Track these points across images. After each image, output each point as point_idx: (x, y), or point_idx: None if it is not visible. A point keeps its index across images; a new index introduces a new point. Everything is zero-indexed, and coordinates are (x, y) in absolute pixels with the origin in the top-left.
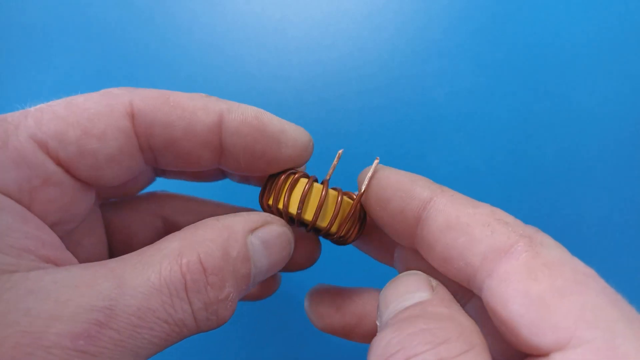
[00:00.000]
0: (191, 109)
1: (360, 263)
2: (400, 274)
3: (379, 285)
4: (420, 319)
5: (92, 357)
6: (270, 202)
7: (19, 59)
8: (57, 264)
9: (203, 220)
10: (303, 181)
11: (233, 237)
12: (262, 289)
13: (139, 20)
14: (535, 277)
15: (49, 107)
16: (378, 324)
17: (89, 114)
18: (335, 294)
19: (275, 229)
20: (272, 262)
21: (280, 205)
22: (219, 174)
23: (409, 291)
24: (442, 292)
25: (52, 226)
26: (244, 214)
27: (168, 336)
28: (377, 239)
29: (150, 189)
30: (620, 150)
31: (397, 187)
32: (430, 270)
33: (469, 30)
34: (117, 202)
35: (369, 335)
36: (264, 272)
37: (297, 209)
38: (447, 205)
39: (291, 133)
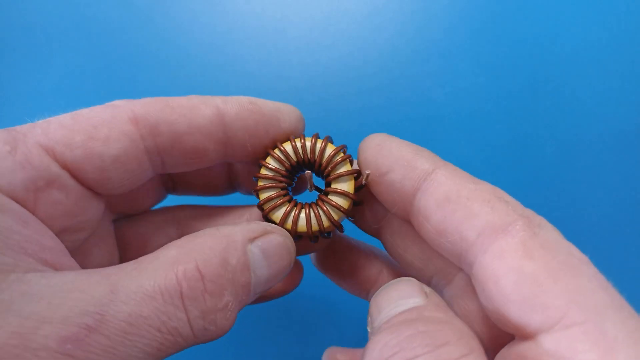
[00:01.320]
0: (190, 105)
1: None
2: (392, 281)
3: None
4: (418, 322)
5: None
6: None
7: (19, 59)
8: (56, 268)
9: (202, 230)
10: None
11: (232, 246)
12: (286, 282)
13: (139, 20)
14: (530, 256)
15: (55, 118)
16: (369, 330)
17: (93, 122)
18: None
19: (275, 239)
20: (273, 272)
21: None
22: (228, 187)
23: (402, 297)
24: (436, 298)
25: (61, 233)
26: (244, 223)
27: (161, 345)
28: (368, 209)
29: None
30: (620, 150)
31: (399, 156)
32: (418, 242)
33: (469, 30)
34: (131, 216)
35: None
36: (263, 282)
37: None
38: (448, 178)
39: (285, 109)
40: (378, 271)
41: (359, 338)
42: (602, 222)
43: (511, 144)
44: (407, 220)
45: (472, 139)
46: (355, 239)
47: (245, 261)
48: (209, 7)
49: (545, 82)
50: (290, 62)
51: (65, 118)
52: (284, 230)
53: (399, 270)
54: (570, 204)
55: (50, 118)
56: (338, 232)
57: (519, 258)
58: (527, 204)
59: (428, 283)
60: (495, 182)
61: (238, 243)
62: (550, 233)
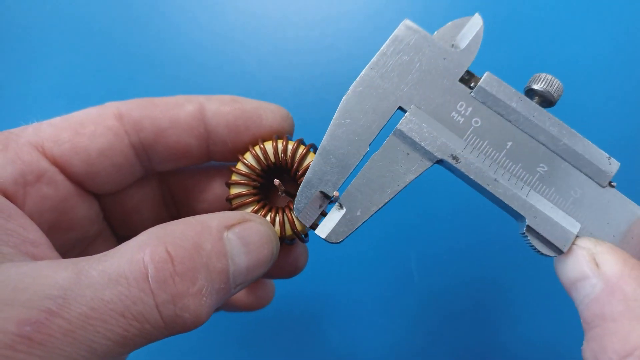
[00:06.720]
0: (173, 102)
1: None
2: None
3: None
4: None
5: (38, 345)
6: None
7: (19, 59)
8: (36, 259)
9: (179, 219)
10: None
11: (207, 231)
12: (256, 298)
13: (139, 21)
14: None
15: (47, 120)
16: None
17: (81, 120)
18: None
19: (253, 226)
20: (253, 260)
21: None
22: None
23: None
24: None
25: (51, 230)
26: (222, 212)
27: (126, 332)
28: None
29: None
30: (620, 151)
31: None
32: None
33: None
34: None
35: None
36: (243, 271)
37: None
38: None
39: (268, 107)
40: None
41: (360, 338)
42: None
43: None
44: None
45: None
46: None
47: (221, 247)
48: (207, 8)
49: None
50: (291, 62)
51: (56, 119)
52: (264, 219)
53: None
54: None
55: (43, 121)
56: (300, 241)
57: None
58: None
59: None
60: None
61: (213, 229)
62: None
